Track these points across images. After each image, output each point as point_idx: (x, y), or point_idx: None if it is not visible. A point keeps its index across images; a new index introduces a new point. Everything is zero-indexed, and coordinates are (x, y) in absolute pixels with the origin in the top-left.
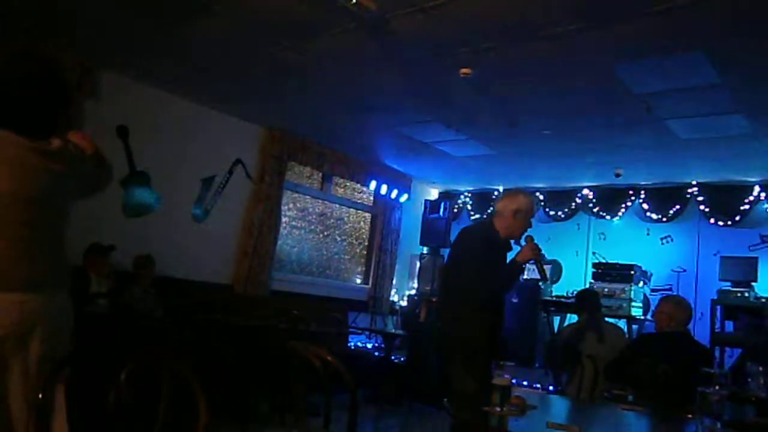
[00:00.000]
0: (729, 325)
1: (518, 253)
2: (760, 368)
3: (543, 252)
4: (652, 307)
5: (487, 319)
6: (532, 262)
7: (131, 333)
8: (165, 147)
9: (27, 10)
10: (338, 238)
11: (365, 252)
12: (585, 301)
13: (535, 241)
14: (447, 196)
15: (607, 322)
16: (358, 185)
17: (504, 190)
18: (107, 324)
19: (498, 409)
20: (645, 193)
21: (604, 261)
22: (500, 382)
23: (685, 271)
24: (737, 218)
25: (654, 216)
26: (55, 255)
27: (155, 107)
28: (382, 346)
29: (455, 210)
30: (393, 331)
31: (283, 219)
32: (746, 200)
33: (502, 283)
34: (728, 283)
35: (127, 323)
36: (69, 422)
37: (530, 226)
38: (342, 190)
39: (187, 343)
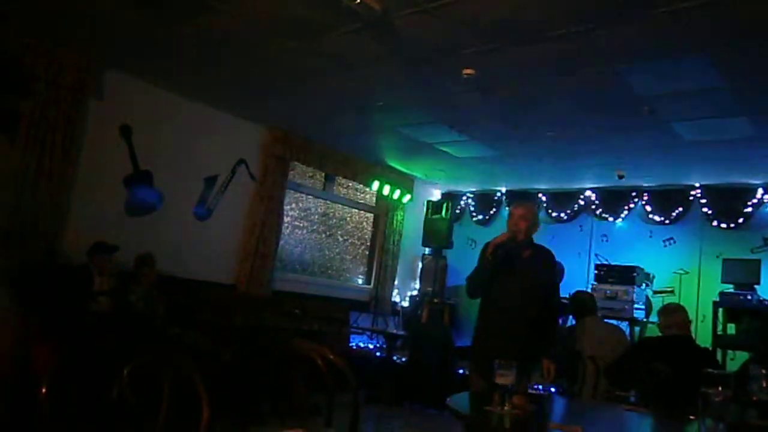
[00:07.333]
0: (731, 328)
1: None
2: (763, 371)
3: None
4: (655, 309)
5: (483, 320)
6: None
7: (133, 332)
8: (168, 146)
9: (29, 8)
10: (340, 239)
11: (367, 252)
12: (583, 303)
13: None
14: (449, 196)
15: (608, 323)
16: (361, 185)
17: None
18: (109, 323)
19: (500, 408)
20: (648, 195)
21: (606, 263)
22: (502, 381)
23: (687, 273)
24: (740, 220)
25: (657, 218)
26: None
27: (158, 107)
28: (384, 346)
29: (457, 211)
30: (394, 331)
31: (286, 219)
32: (749, 203)
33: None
34: (730, 286)
35: (128, 322)
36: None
37: (518, 232)
38: (344, 190)
39: (189, 342)
